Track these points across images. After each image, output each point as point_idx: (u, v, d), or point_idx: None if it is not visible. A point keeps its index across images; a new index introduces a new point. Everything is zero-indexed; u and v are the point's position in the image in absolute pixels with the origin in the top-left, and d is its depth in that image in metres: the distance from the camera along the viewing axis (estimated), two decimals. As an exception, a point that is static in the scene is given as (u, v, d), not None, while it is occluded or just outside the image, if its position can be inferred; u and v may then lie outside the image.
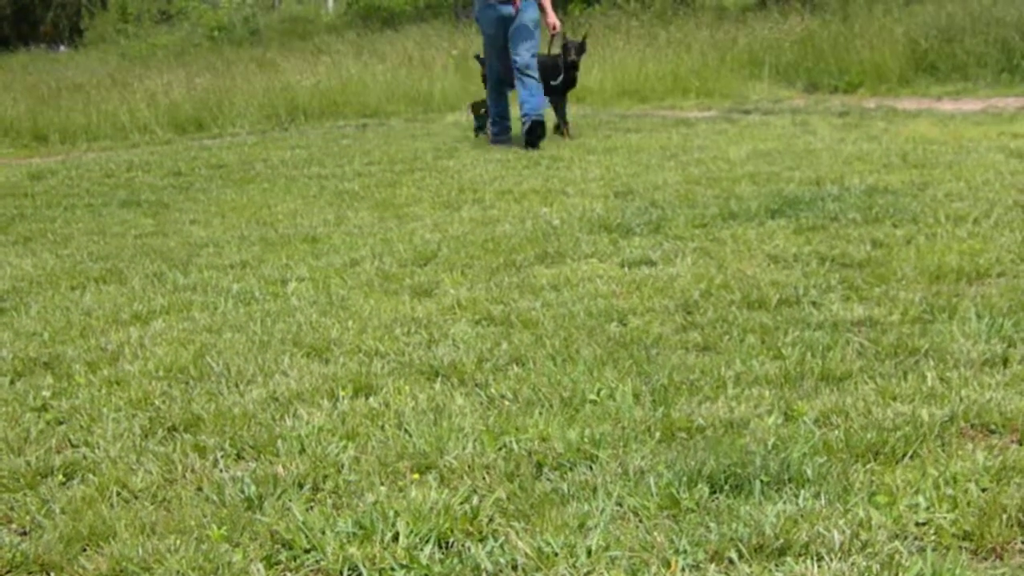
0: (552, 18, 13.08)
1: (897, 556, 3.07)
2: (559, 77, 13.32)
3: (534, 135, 12.67)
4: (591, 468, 3.72)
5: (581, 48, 13.72)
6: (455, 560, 3.21)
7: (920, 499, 3.33)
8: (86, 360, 5.33)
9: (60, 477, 3.98)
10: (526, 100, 12.80)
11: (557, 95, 13.56)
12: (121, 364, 5.22)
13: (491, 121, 13.70)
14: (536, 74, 12.92)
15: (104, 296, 6.67)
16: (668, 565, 3.10)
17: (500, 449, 3.92)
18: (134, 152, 15.46)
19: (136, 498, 3.76)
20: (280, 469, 3.83)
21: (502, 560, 3.18)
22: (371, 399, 4.51)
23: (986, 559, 3.10)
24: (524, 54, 12.85)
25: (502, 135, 13.47)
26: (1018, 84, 16.73)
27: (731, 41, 20.16)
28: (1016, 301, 5.26)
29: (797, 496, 3.40)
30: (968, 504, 3.29)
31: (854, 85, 17.85)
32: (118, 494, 3.79)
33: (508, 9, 12.81)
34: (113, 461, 4.04)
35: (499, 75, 13.35)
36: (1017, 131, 11.48)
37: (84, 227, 9.37)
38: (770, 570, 3.07)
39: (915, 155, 10.06)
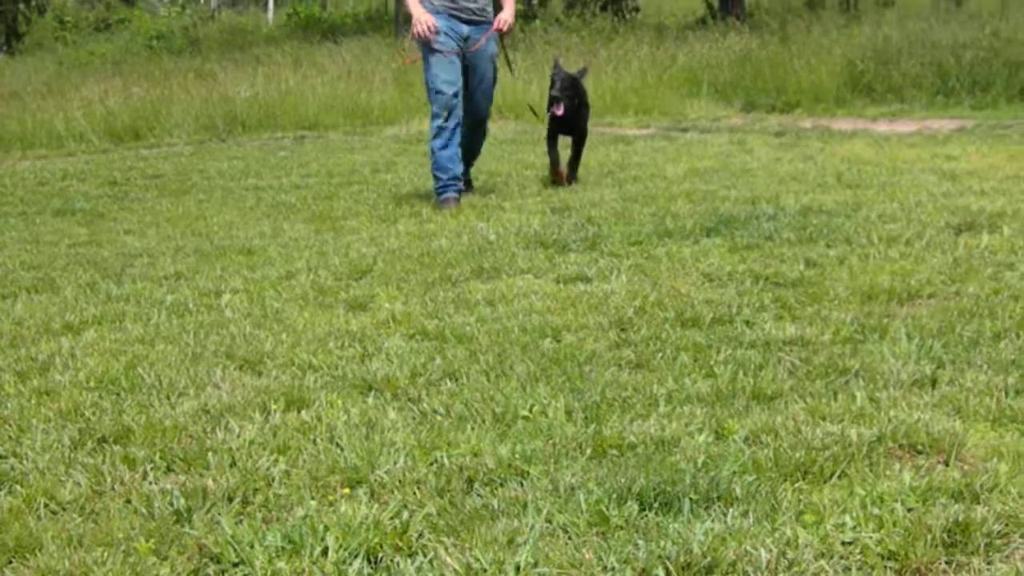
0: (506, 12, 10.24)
1: (823, 575, 3.10)
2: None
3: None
4: (522, 484, 3.72)
5: (570, 82, 10.51)
6: (384, 575, 3.20)
7: (847, 518, 3.35)
8: (16, 370, 5.29)
9: (-13, 488, 3.95)
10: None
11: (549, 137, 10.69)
12: (52, 374, 5.19)
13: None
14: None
15: (36, 305, 6.63)
16: (596, 582, 3.11)
17: (431, 464, 3.91)
18: (69, 161, 15.39)
19: (64, 510, 3.74)
20: (210, 482, 3.82)
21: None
22: (303, 413, 4.49)
23: (911, 579, 3.13)
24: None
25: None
26: (952, 107, 16.88)
27: (671, 59, 20.23)
28: (946, 322, 5.31)
29: (726, 514, 3.41)
30: (894, 524, 3.31)
31: (791, 105, 17.95)
32: (46, 506, 3.76)
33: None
34: (41, 472, 4.01)
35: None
36: (951, 153, 11.57)
37: (17, 236, 9.32)
38: (697, 588, 3.09)
39: (850, 176, 10.12)
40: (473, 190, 10.60)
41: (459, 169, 10.04)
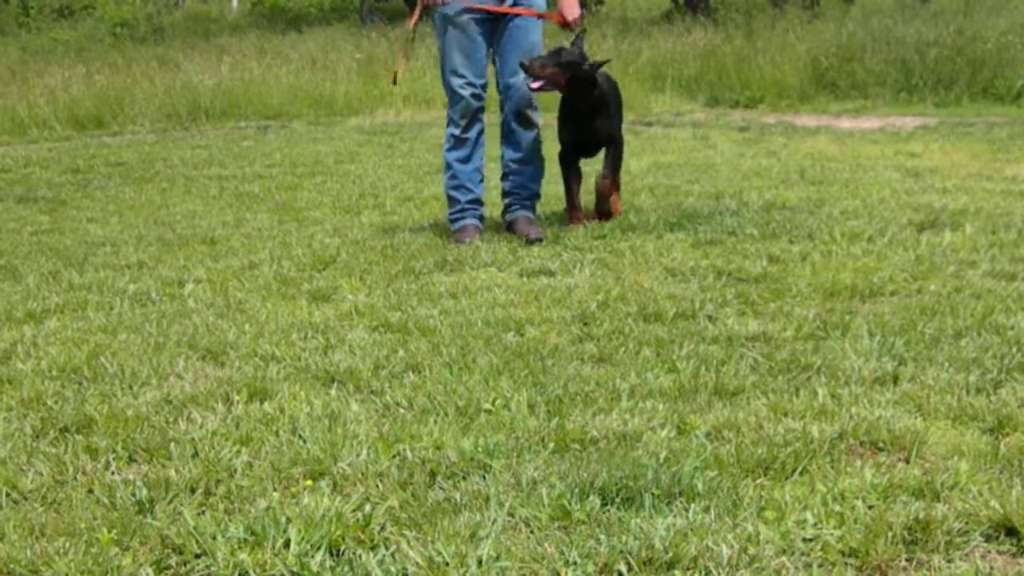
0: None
1: (784, 571, 3.11)
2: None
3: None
4: (484, 478, 3.72)
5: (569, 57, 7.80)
6: (346, 568, 3.20)
7: (808, 515, 3.37)
8: (-23, 359, 5.28)
9: (-52, 477, 3.93)
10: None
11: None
12: (13, 363, 5.17)
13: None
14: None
15: (-3, 293, 6.60)
16: (558, 576, 3.12)
17: (394, 457, 3.91)
18: (32, 148, 15.31)
19: (25, 499, 3.73)
20: (172, 473, 3.81)
21: (393, 569, 3.18)
22: (266, 404, 4.48)
23: None
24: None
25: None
26: (916, 104, 16.95)
27: (635, 53, 20.24)
28: (907, 320, 5.33)
29: (687, 510, 3.42)
30: (855, 521, 3.32)
31: (755, 100, 18.01)
32: (7, 495, 3.74)
33: None
34: (3, 461, 4.00)
35: None
36: (913, 150, 11.63)
37: (-21, 223, 9.27)
38: (659, 583, 3.10)
39: (813, 172, 10.16)
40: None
41: (480, 190, 8.09)
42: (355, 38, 24.84)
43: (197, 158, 13.33)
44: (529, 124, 8.04)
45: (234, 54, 22.83)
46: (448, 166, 8.04)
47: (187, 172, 12.11)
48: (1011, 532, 3.29)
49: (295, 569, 3.19)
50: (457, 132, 7.93)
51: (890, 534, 3.23)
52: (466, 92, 7.80)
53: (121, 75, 20.28)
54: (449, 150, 8.01)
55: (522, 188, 8.06)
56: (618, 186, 8.32)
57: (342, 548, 3.30)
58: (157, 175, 11.97)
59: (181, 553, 3.31)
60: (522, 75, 7.73)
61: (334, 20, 32.09)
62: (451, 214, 8.01)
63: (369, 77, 19.42)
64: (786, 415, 4.19)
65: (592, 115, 7.98)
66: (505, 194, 8.13)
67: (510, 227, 7.93)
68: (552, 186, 8.56)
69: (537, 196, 8.16)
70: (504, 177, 8.16)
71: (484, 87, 7.91)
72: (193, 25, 34.34)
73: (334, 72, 19.98)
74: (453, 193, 7.99)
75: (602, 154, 8.09)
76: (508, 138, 8.12)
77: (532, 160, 8.10)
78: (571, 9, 7.85)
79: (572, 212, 8.14)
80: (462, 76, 7.79)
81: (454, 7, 7.69)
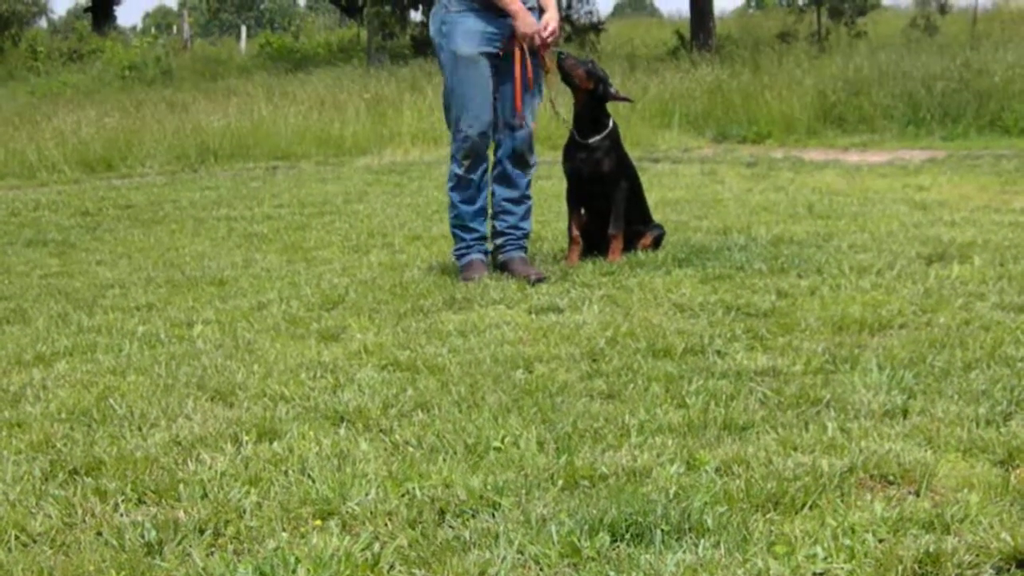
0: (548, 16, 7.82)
1: (795, 606, 3.10)
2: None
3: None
4: (493, 515, 3.72)
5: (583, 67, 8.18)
6: (355, 607, 3.20)
7: (818, 549, 3.36)
8: (-13, 402, 5.28)
9: (-43, 521, 3.93)
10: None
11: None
12: (23, 406, 5.16)
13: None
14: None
15: (7, 337, 6.60)
16: (568, 614, 3.11)
17: (403, 496, 3.91)
18: (41, 191, 15.32)
19: (34, 542, 3.72)
20: (181, 514, 3.81)
21: (402, 608, 3.17)
22: (275, 444, 4.48)
23: (882, 609, 3.13)
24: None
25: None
26: (924, 137, 17.00)
27: (642, 90, 20.27)
28: (917, 353, 5.32)
29: (697, 545, 3.41)
30: (865, 555, 3.31)
31: (762, 135, 18.05)
32: (16, 538, 3.73)
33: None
34: (12, 504, 3.99)
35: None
36: (922, 183, 11.64)
37: (-12, 266, 9.29)
38: (669, 619, 3.09)
39: (821, 206, 10.17)
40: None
41: (485, 228, 7.92)
42: (362, 78, 24.88)
43: (206, 199, 13.35)
44: (526, 165, 7.95)
45: (242, 95, 22.91)
46: (452, 205, 7.89)
47: (196, 213, 12.12)
48: (1022, 564, 3.27)
49: (304, 609, 3.19)
50: (461, 172, 7.75)
51: (900, 567, 3.22)
52: (474, 132, 7.62)
53: (130, 118, 20.34)
54: (452, 189, 7.84)
55: (515, 228, 7.95)
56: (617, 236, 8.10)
57: (351, 587, 3.30)
58: (166, 217, 11.99)
59: (190, 594, 3.31)
60: (528, 119, 7.75)
61: (341, 61, 32.19)
62: (456, 250, 7.90)
63: (377, 117, 19.44)
64: (796, 449, 4.19)
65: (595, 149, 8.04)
66: (498, 234, 7.99)
67: (505, 267, 7.81)
68: (561, 223, 8.57)
69: (528, 235, 8.10)
70: (496, 216, 7.99)
71: (492, 126, 7.72)
72: (201, 67, 34.49)
73: (342, 112, 20.01)
74: (458, 232, 7.89)
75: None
76: (503, 178, 7.94)
77: (525, 199, 8.01)
78: (547, 26, 7.69)
79: (570, 246, 8.12)
80: (471, 115, 7.61)
81: (468, 47, 7.54)
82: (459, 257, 7.86)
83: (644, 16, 63.13)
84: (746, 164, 14.64)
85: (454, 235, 7.93)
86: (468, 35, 7.56)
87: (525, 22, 7.57)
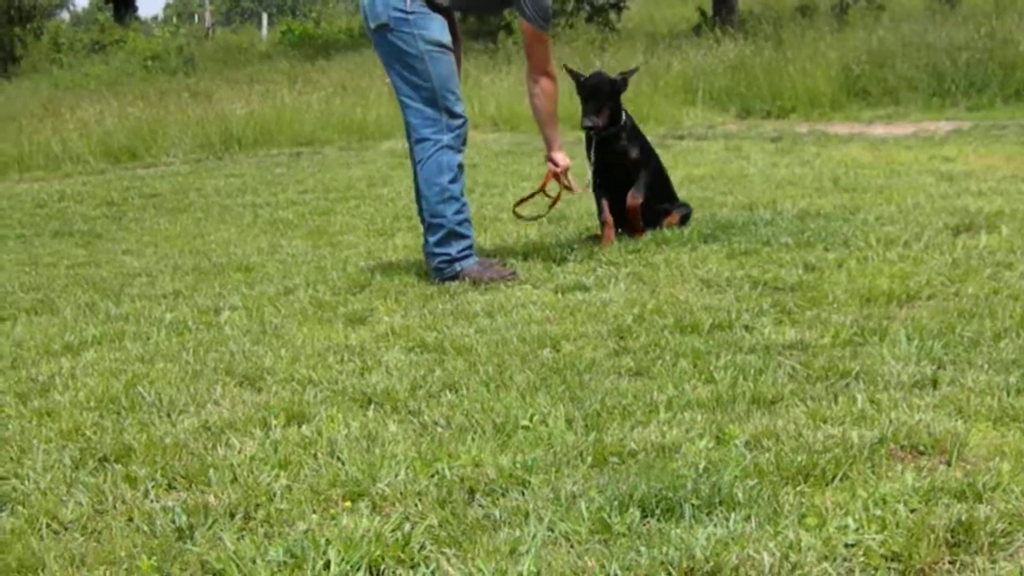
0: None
1: (827, 577, 3.09)
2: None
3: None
4: (523, 494, 3.71)
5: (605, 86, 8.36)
6: (387, 588, 3.20)
7: (849, 521, 3.34)
8: (16, 391, 5.29)
9: (-11, 509, 3.94)
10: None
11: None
12: (52, 395, 5.18)
13: None
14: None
15: (35, 327, 6.62)
16: (599, 590, 3.11)
17: (432, 476, 3.91)
18: (67, 182, 15.38)
19: (66, 529, 3.73)
20: (211, 499, 3.81)
21: (434, 587, 3.17)
22: (304, 427, 4.48)
23: (914, 579, 3.12)
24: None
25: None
26: (948, 108, 16.89)
27: (665, 67, 20.21)
28: (945, 323, 5.30)
29: (727, 519, 3.40)
30: (897, 525, 3.30)
31: (787, 110, 17.96)
32: (48, 526, 3.75)
33: None
34: (43, 492, 4.00)
35: None
36: (947, 154, 11.58)
37: (15, 258, 9.33)
38: (701, 593, 3.08)
39: (847, 179, 10.13)
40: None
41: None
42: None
43: (231, 187, 13.37)
44: None
45: (265, 82, 22.92)
46: (455, 199, 7.18)
47: (221, 201, 12.15)
48: (1055, 531, 3.26)
49: (336, 590, 3.19)
50: (461, 160, 7.24)
51: (933, 537, 3.20)
52: (466, 115, 7.28)
53: (153, 107, 20.37)
54: (452, 182, 7.16)
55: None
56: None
57: (382, 568, 3.29)
58: (191, 205, 12.01)
59: (222, 578, 3.31)
60: None
61: (363, 46, 32.13)
62: (461, 251, 7.16)
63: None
64: (825, 422, 4.17)
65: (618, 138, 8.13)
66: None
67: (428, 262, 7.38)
68: (586, 201, 8.58)
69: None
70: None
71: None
72: (223, 55, 34.46)
73: (365, 97, 19.99)
74: (460, 229, 7.19)
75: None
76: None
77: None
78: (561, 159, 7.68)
79: (603, 227, 8.03)
80: (458, 98, 7.19)
81: (445, 36, 7.09)
82: (464, 258, 7.18)
83: (666, -7, 62.80)
84: (771, 139, 14.58)
85: (457, 234, 7.18)
86: (442, 26, 7.08)
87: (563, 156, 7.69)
